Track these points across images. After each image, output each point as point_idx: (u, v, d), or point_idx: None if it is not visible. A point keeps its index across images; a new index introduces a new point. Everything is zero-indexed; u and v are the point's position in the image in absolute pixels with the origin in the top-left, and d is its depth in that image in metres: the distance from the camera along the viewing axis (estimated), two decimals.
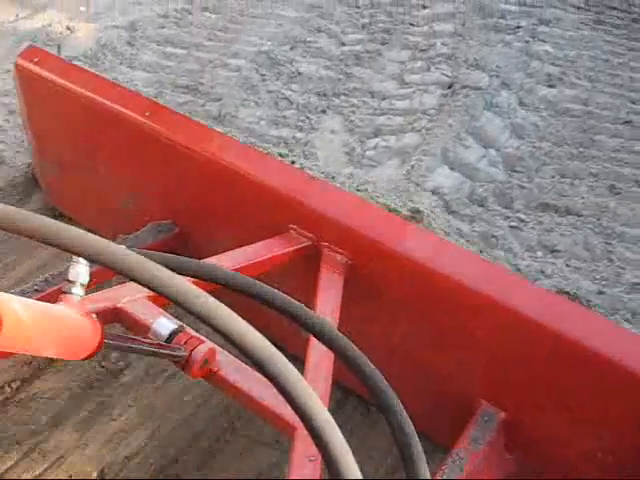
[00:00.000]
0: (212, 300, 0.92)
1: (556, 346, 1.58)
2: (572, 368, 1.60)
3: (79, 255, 0.97)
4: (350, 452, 0.86)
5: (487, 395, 1.78)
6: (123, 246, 1.25)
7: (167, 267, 0.96)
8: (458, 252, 1.81)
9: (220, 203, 2.13)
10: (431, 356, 1.87)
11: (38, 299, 1.81)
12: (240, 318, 0.91)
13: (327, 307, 1.74)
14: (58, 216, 2.74)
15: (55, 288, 1.78)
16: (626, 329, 1.63)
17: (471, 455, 1.66)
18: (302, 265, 1.92)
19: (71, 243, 0.93)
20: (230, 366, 1.55)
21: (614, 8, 4.94)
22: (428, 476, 1.07)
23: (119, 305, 1.65)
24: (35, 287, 1.83)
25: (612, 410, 1.60)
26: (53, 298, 1.19)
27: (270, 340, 0.90)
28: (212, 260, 1.81)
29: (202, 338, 1.49)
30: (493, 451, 1.72)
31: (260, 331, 0.90)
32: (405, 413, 1.14)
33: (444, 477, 1.58)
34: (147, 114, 2.09)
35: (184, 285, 0.93)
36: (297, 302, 1.23)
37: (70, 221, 2.72)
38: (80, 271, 1.18)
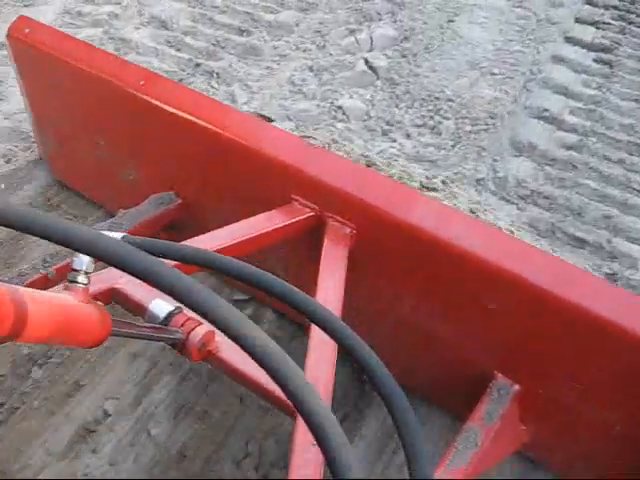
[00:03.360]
0: (207, 292, 0.89)
1: (570, 317, 1.52)
2: (586, 339, 1.54)
3: (66, 246, 0.95)
4: (350, 447, 0.83)
5: (501, 367, 1.73)
6: (118, 235, 1.22)
7: (162, 255, 0.94)
8: (466, 220, 1.74)
9: (221, 174, 2.06)
10: (442, 328, 1.81)
11: (36, 281, 1.78)
12: (237, 310, 0.88)
13: (332, 279, 1.68)
14: (62, 188, 2.71)
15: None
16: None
17: (484, 430, 1.61)
18: (306, 236, 1.85)
19: (59, 235, 0.91)
20: (229, 348, 1.50)
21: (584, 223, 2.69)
22: (431, 475, 1.02)
23: (116, 286, 1.61)
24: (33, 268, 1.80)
25: (628, 382, 1.54)
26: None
27: None
28: (215, 233, 1.76)
29: (200, 319, 1.44)
30: (507, 425, 1.67)
31: None
32: (410, 409, 1.08)
33: (456, 455, 1.54)
34: (141, 83, 2.02)
35: (179, 278, 0.90)
36: (296, 288, 1.17)
37: (75, 193, 2.68)
38: (85, 260, 1.15)
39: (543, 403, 1.72)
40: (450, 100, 3.22)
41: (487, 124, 3.06)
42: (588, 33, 3.80)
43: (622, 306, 1.48)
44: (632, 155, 3.01)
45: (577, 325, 1.52)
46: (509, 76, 3.42)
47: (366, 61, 3.48)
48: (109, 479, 1.90)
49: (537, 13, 3.94)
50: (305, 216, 1.83)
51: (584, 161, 2.95)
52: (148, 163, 2.27)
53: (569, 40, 3.77)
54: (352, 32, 3.67)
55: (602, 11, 4.01)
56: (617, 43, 3.73)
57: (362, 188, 1.76)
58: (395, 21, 3.78)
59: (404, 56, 3.52)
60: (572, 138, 3.08)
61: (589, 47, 3.71)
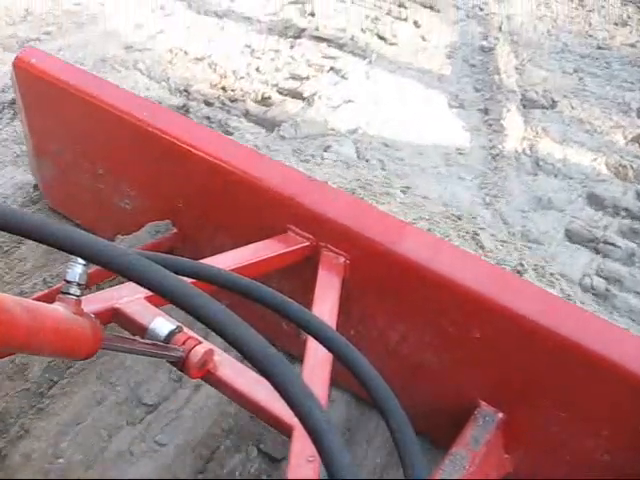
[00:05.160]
0: (211, 301, 0.92)
1: (554, 347, 1.58)
2: (570, 369, 1.59)
3: (80, 256, 0.97)
4: (348, 453, 0.86)
5: (485, 396, 1.78)
6: (123, 246, 1.27)
7: (165, 268, 0.97)
8: (456, 252, 1.81)
9: (218, 203, 2.13)
10: (429, 357, 1.87)
11: (36, 299, 1.81)
12: (239, 319, 0.92)
13: (325, 307, 1.73)
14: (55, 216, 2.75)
15: (53, 289, 1.78)
16: (623, 329, 1.63)
17: (471, 455, 1.65)
18: (300, 265, 1.91)
19: (71, 244, 0.93)
20: (228, 366, 1.55)
21: None
22: (426, 477, 1.07)
23: (117, 306, 1.64)
24: (34, 287, 1.83)
25: (610, 410, 1.60)
26: (51, 298, 1.19)
27: (269, 340, 0.90)
28: (210, 261, 1.80)
29: (200, 339, 1.49)
30: (492, 451, 1.72)
31: (259, 332, 0.90)
32: (404, 414, 1.13)
33: (444, 477, 1.58)
34: (145, 114, 2.09)
35: (184, 286, 0.93)
36: (295, 303, 1.23)
37: (68, 221, 2.72)
38: (78, 272, 1.18)
39: (527, 431, 1.77)
40: None
41: None
42: (578, 264, 2.62)
43: (607, 338, 1.55)
44: None
45: (561, 356, 1.58)
46: None
47: None
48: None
49: (510, 221, 2.68)
50: (300, 245, 1.90)
51: None
52: (146, 192, 2.32)
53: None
54: None
55: (608, 219, 2.90)
56: (618, 282, 2.55)
57: (356, 219, 1.83)
58: None
59: None
60: None
61: None
